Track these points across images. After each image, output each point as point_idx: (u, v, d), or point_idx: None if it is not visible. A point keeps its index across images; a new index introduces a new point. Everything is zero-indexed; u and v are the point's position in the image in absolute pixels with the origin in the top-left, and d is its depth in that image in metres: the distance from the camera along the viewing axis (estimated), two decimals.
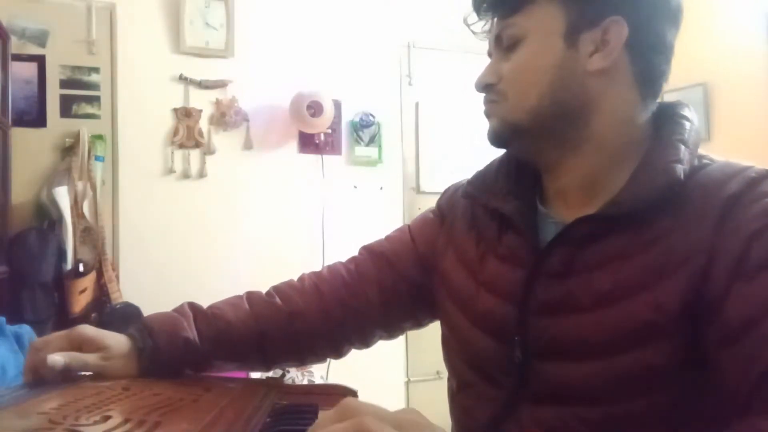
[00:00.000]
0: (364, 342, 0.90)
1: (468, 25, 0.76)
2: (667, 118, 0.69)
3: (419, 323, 0.91)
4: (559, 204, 0.73)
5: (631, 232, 0.63)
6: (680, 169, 0.62)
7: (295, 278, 0.91)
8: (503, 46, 0.70)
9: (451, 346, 0.81)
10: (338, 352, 0.90)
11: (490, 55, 0.74)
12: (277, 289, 0.88)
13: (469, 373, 0.76)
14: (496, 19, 0.72)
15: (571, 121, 0.68)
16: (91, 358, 0.72)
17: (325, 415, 0.43)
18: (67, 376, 0.69)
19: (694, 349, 0.58)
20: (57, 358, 0.68)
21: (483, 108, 0.73)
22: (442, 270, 0.82)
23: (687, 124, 0.68)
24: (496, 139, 0.72)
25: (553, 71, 0.66)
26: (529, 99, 0.68)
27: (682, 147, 0.64)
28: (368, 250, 0.90)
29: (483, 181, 0.79)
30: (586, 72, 0.66)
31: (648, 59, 0.67)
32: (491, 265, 0.74)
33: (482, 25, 0.75)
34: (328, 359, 0.92)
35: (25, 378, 0.72)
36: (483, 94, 0.73)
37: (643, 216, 0.62)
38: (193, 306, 0.84)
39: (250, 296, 0.87)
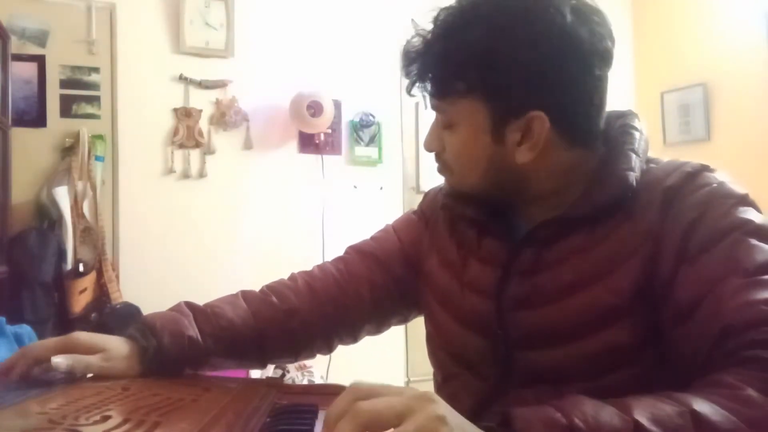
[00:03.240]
0: (353, 337, 0.94)
1: (408, 91, 0.76)
2: (618, 129, 0.74)
3: (406, 318, 0.96)
4: (529, 214, 0.77)
5: (588, 229, 0.69)
6: (632, 177, 0.68)
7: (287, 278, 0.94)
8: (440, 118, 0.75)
9: (435, 342, 0.86)
10: (330, 347, 0.93)
11: (433, 107, 0.76)
12: (271, 288, 0.90)
13: (453, 366, 0.81)
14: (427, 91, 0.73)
15: (512, 188, 0.74)
16: (93, 359, 0.71)
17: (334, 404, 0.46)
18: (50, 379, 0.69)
19: (652, 327, 0.64)
20: (60, 360, 0.68)
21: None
22: (427, 271, 0.87)
23: (637, 135, 0.73)
24: (453, 198, 0.81)
25: (485, 162, 0.72)
26: (470, 179, 0.75)
27: (633, 156, 0.70)
28: (356, 250, 0.94)
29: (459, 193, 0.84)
30: (515, 162, 0.70)
31: (575, 130, 0.70)
32: (473, 267, 0.79)
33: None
34: (320, 354, 0.94)
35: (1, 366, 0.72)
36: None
37: (598, 216, 0.69)
38: (190, 305, 0.84)
39: (246, 295, 0.89)
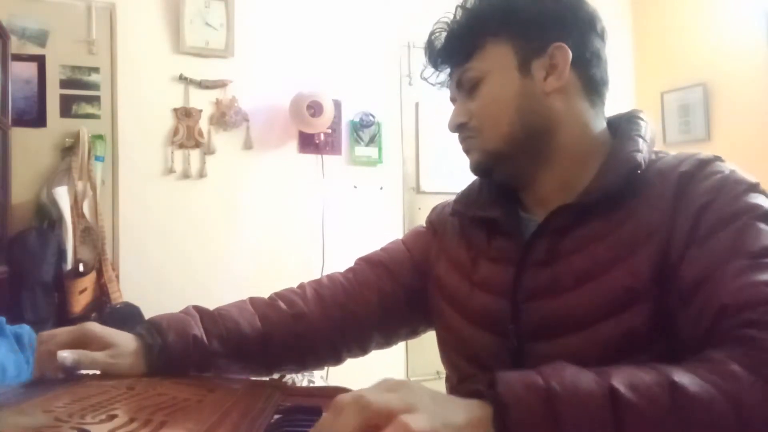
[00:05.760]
0: (362, 348, 0.94)
1: (425, 79, 0.85)
2: (626, 121, 0.79)
3: (415, 331, 0.96)
4: (539, 209, 0.79)
5: (603, 216, 0.71)
6: (641, 157, 0.71)
7: (294, 281, 0.94)
8: (465, 88, 0.79)
9: (448, 344, 0.86)
10: (338, 358, 0.93)
11: (453, 100, 0.83)
12: (278, 294, 0.91)
13: (467, 367, 0.81)
14: (453, 68, 0.81)
15: (540, 138, 0.76)
16: (99, 355, 0.72)
17: (324, 417, 0.46)
18: (71, 373, 0.69)
19: (666, 313, 0.65)
20: (66, 355, 0.69)
21: (461, 146, 0.82)
22: (436, 275, 0.88)
23: (643, 124, 0.77)
24: (480, 169, 0.81)
25: (517, 99, 0.76)
26: (501, 127, 0.76)
27: (641, 140, 0.74)
28: (366, 261, 0.95)
29: (468, 198, 0.87)
30: (544, 94, 0.75)
31: (591, 72, 0.78)
32: (483, 267, 0.80)
33: (437, 77, 0.84)
34: (327, 366, 0.94)
35: (35, 372, 0.72)
36: (457, 135, 0.82)
37: (612, 201, 0.70)
38: (197, 307, 0.85)
39: (254, 300, 0.90)
